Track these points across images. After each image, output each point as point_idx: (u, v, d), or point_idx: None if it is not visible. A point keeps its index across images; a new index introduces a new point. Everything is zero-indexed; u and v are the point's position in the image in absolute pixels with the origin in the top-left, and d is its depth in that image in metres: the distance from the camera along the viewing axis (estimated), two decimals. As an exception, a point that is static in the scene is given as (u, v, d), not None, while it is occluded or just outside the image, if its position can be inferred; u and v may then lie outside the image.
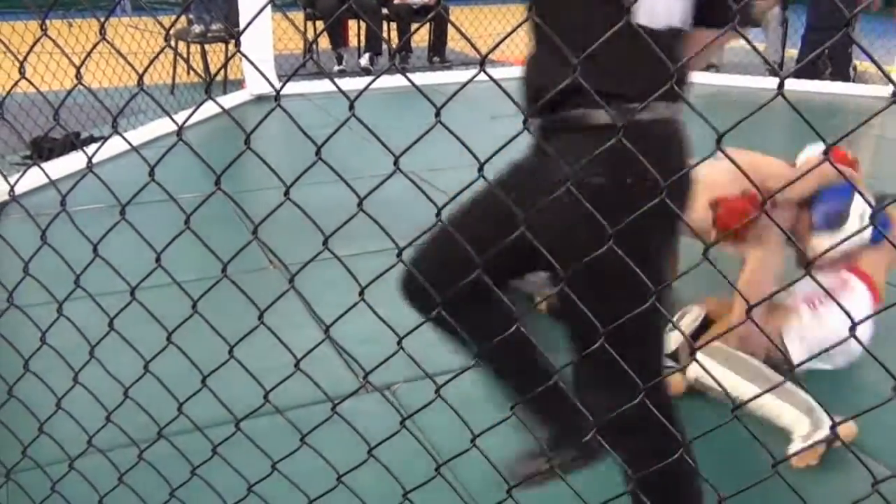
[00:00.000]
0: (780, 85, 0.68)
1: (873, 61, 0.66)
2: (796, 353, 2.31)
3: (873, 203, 2.22)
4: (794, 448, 1.99)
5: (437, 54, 7.30)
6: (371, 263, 1.24)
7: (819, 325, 2.33)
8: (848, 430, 1.99)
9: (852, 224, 2.35)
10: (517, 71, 1.30)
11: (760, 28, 6.81)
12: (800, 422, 2.05)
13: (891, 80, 0.70)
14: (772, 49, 6.76)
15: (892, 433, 2.06)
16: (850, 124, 0.73)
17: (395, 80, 4.74)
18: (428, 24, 7.24)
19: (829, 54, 6.58)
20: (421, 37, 7.56)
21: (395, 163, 0.92)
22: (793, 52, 7.12)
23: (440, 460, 1.17)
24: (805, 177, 2.35)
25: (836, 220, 2.37)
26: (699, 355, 2.15)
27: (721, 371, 2.19)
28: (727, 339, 2.29)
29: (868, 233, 2.35)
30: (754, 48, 0.80)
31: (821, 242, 2.41)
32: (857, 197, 2.35)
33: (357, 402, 2.16)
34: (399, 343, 1.04)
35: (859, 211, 2.36)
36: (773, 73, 6.78)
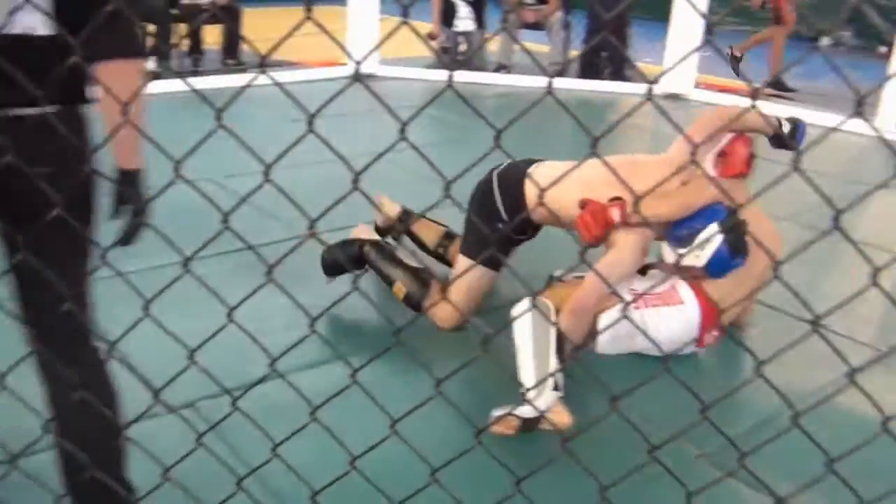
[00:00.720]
0: (549, 84, 0.72)
1: (628, 60, 0.70)
2: (602, 338, 2.53)
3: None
4: (496, 413, 1.98)
5: (231, 56, 7.08)
6: (167, 274, 1.18)
7: (633, 320, 2.46)
8: (561, 417, 2.00)
9: (693, 247, 2.49)
10: (317, 73, 1.28)
11: (545, 31, 7.16)
12: (528, 381, 2.10)
13: (646, 79, 0.75)
14: (556, 51, 7.13)
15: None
16: (617, 118, 0.78)
17: (188, 84, 4.53)
18: (220, 25, 7.01)
19: (608, 56, 7.05)
20: (215, 38, 7.31)
21: (176, 169, 0.88)
22: (576, 53, 7.56)
23: (241, 473, 1.13)
24: (686, 198, 2.51)
25: (685, 240, 2.51)
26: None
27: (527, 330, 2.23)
28: (562, 317, 2.42)
29: (705, 258, 2.50)
30: (525, 49, 0.84)
31: (666, 253, 2.63)
32: (713, 224, 2.47)
33: (157, 423, 2.05)
34: (190, 357, 0.99)
35: (704, 237, 2.48)
36: (558, 73, 7.15)
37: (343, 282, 2.81)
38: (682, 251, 2.52)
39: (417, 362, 1.08)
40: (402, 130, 0.80)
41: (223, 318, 1.01)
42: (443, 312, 2.66)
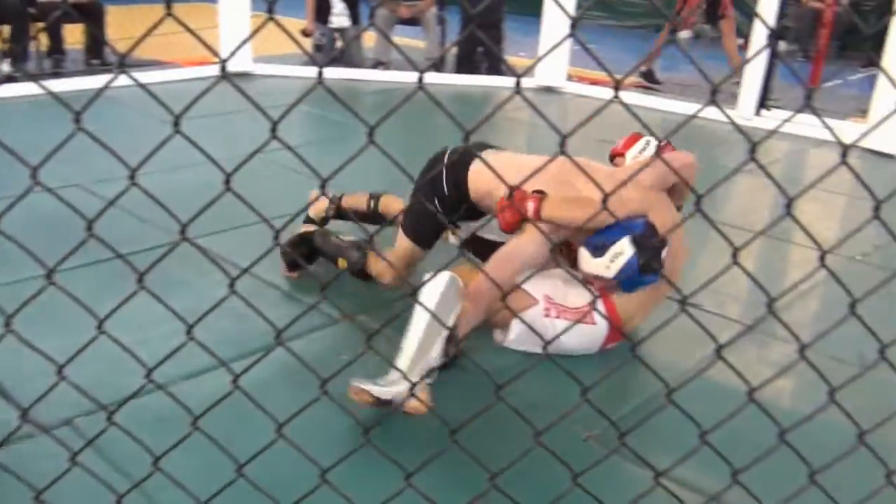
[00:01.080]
0: (420, 80, 0.72)
1: (499, 57, 0.72)
2: (512, 335, 2.56)
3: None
4: (354, 383, 2.02)
5: (96, 56, 6.78)
6: (33, 287, 1.12)
7: (540, 328, 2.49)
8: (416, 406, 2.03)
9: (604, 258, 2.48)
10: (190, 72, 1.24)
11: (420, 27, 7.20)
12: (400, 365, 2.13)
13: (515, 73, 0.77)
14: (432, 46, 7.18)
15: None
16: (501, 113, 0.79)
17: (54, 86, 4.31)
18: (83, 24, 6.70)
19: (484, 51, 7.15)
20: (76, 38, 6.97)
21: (33, 176, 0.84)
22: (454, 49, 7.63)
23: (122, 490, 1.09)
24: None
25: (600, 249, 2.49)
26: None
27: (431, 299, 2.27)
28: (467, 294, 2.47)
29: (614, 270, 2.48)
30: (394, 45, 0.84)
31: (582, 259, 2.55)
32: (626, 238, 2.46)
33: (32, 444, 1.94)
34: (59, 373, 0.95)
35: (616, 249, 2.47)
36: (435, 68, 7.20)
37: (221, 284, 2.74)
38: (594, 260, 2.51)
39: (302, 364, 1.07)
40: (274, 130, 0.79)
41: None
42: (379, 267, 2.89)
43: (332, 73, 6.56)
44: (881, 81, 5.56)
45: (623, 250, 2.45)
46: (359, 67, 6.94)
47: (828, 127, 0.89)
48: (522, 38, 7.88)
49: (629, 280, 2.48)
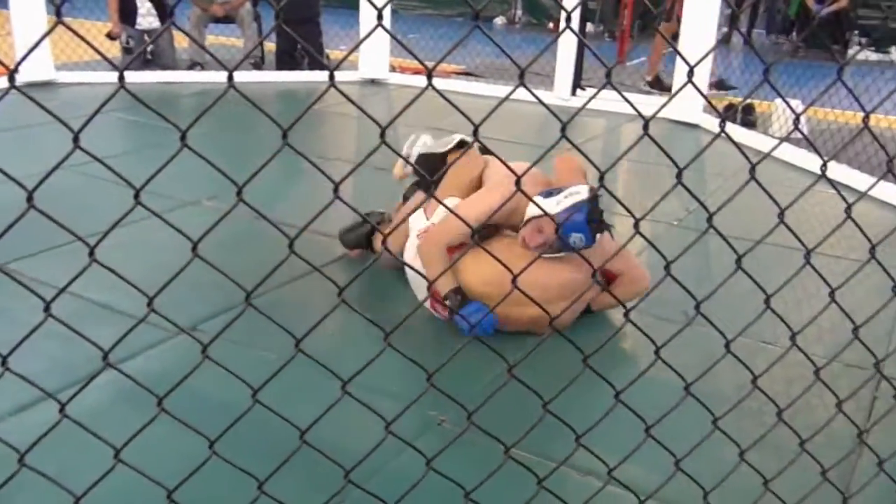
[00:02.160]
0: (230, 78, 0.70)
1: (313, 53, 0.71)
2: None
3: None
4: None
5: None
6: None
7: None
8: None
9: (558, 196, 2.53)
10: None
11: (236, 24, 7.01)
12: None
13: (328, 66, 0.76)
14: (249, 44, 7.01)
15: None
16: (328, 108, 0.78)
17: None
18: None
19: (303, 47, 7.06)
20: None
21: None
22: (271, 45, 7.47)
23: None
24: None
25: (552, 193, 2.55)
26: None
27: None
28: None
29: (563, 206, 2.50)
30: (201, 46, 0.81)
31: (530, 207, 2.59)
32: (585, 187, 2.54)
33: None
34: None
35: (573, 190, 2.53)
36: (256, 66, 7.04)
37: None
38: (545, 200, 2.54)
39: (135, 383, 1.02)
40: (76, 140, 0.74)
41: None
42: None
43: (147, 76, 6.26)
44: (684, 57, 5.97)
45: (580, 191, 2.50)
46: (173, 69, 6.66)
47: (628, 101, 0.94)
48: (345, 31, 7.84)
49: (573, 223, 2.44)
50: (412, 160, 3.15)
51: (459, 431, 1.15)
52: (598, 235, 2.50)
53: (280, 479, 1.12)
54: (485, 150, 3.04)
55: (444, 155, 3.07)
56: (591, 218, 2.47)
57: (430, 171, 3.00)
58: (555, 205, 2.50)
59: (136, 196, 0.74)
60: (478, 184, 2.91)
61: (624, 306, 1.16)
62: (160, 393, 1.01)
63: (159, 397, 0.94)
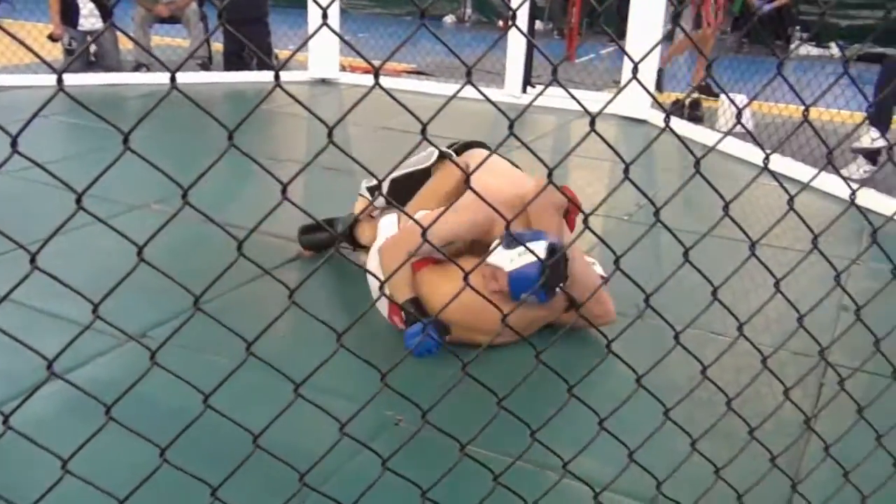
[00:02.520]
0: (173, 79, 0.69)
1: (258, 52, 0.70)
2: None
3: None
4: None
5: None
6: None
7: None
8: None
9: (513, 251, 2.42)
10: None
11: (182, 24, 6.90)
12: None
13: (273, 67, 0.75)
14: (196, 44, 6.91)
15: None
16: (278, 108, 0.77)
17: None
18: None
19: (255, 47, 6.97)
20: None
21: None
22: (218, 45, 7.39)
23: None
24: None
25: (513, 242, 2.38)
26: None
27: None
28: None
29: (516, 264, 2.42)
30: (144, 48, 0.80)
31: (495, 250, 2.44)
32: (545, 242, 2.42)
33: None
34: None
35: (531, 247, 2.37)
36: (204, 67, 6.95)
37: None
38: (503, 251, 2.43)
39: (82, 391, 1.00)
40: (14, 144, 0.72)
41: None
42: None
43: (91, 78, 6.14)
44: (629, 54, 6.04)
45: (536, 250, 2.36)
46: (118, 71, 6.54)
47: (574, 98, 0.95)
48: (294, 31, 7.78)
49: (520, 283, 2.38)
50: (385, 186, 3.08)
51: (414, 430, 1.14)
52: (558, 288, 2.44)
53: (234, 484, 1.11)
54: (467, 147, 3.02)
55: (428, 170, 3.03)
56: (547, 281, 2.38)
57: (414, 189, 2.96)
58: (508, 261, 2.41)
59: (79, 201, 0.72)
60: (455, 193, 2.82)
61: (576, 306, 1.17)
62: (109, 401, 0.99)
63: (107, 406, 0.92)
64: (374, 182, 3.17)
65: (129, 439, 1.04)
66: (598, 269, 2.79)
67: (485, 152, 2.89)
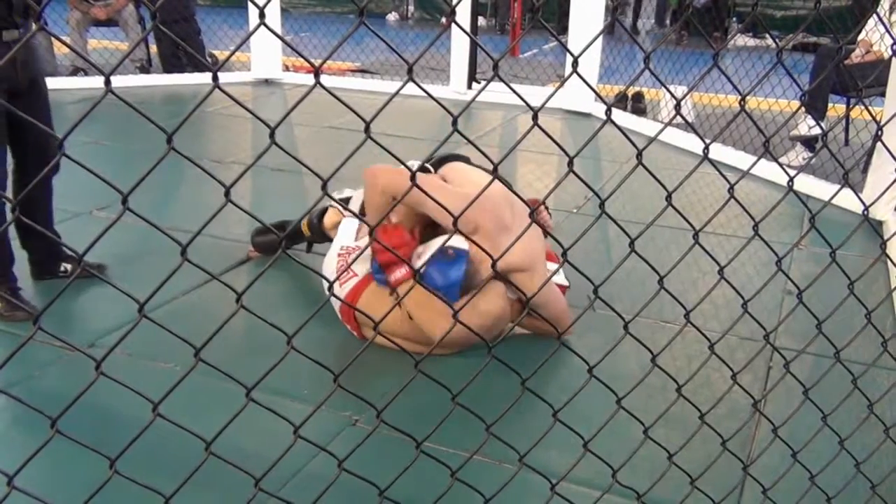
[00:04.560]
0: (107, 82, 0.67)
1: (191, 54, 0.69)
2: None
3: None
4: None
5: None
6: None
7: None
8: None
9: (435, 242, 2.54)
10: None
11: (119, 26, 6.77)
12: None
13: (209, 67, 0.74)
14: (131, 43, 6.78)
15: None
16: (219, 110, 0.76)
17: None
18: None
19: (183, 49, 6.86)
20: None
21: None
22: (154, 47, 7.26)
23: None
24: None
25: (443, 252, 2.43)
26: None
27: None
28: None
29: (425, 257, 2.48)
30: (75, 50, 0.78)
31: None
32: (463, 243, 2.45)
33: None
34: None
35: (449, 242, 2.46)
36: (143, 70, 6.82)
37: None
38: (431, 241, 2.52)
39: (24, 405, 0.97)
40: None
41: None
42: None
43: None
44: (569, 48, 6.11)
45: (459, 246, 2.44)
46: (54, 76, 6.38)
47: (516, 93, 0.95)
48: (234, 31, 7.68)
49: (432, 276, 2.39)
50: (354, 202, 3.07)
51: (370, 430, 1.14)
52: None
53: (189, 493, 1.09)
54: (444, 160, 2.97)
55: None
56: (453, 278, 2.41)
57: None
58: (418, 254, 2.51)
59: (14, 210, 0.70)
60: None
61: (525, 298, 1.18)
62: (55, 413, 0.97)
63: (52, 418, 0.90)
64: (346, 195, 3.15)
65: (81, 452, 1.02)
66: (561, 278, 2.78)
67: (464, 166, 2.86)
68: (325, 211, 3.17)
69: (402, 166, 2.92)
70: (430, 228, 2.70)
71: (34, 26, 0.70)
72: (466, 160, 2.94)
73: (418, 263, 2.47)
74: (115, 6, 6.62)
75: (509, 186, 2.60)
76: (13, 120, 2.63)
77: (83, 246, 0.80)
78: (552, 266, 2.69)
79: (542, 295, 2.53)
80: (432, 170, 2.90)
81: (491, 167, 0.94)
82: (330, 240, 3.10)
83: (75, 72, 6.54)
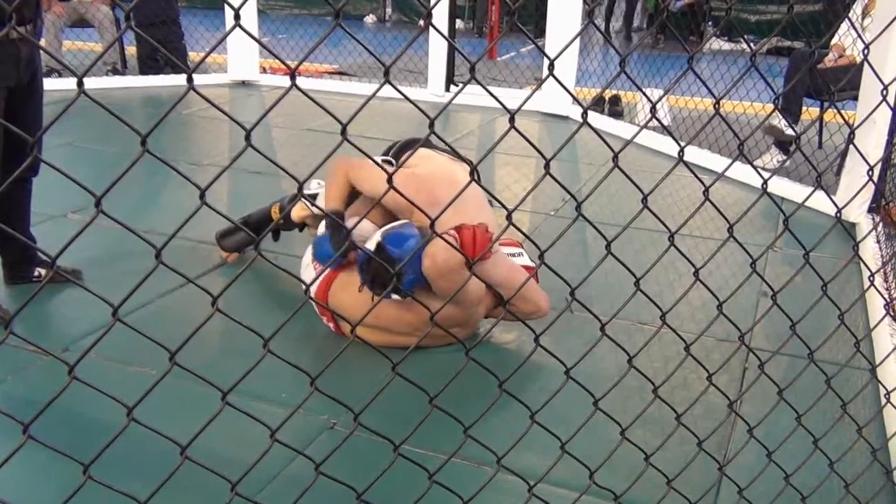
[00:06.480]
0: (80, 84, 0.67)
1: (169, 57, 0.68)
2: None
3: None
4: None
5: None
6: None
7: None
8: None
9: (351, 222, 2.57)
10: None
11: (95, 28, 6.71)
12: None
13: (186, 70, 0.74)
14: (106, 45, 6.73)
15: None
16: (197, 112, 0.75)
17: None
18: None
19: (168, 49, 6.81)
20: None
21: None
22: (132, 49, 7.20)
23: None
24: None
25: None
26: None
27: None
28: None
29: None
30: (46, 51, 0.77)
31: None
32: (379, 233, 2.45)
33: None
34: None
35: (364, 226, 2.55)
36: (116, 72, 6.77)
37: None
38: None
39: (0, 410, 0.96)
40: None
41: None
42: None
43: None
44: (546, 51, 6.13)
45: (370, 237, 2.46)
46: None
47: (492, 95, 0.96)
48: (211, 33, 7.63)
49: (390, 248, 2.39)
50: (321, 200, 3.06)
51: (347, 433, 1.14)
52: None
53: (165, 497, 1.08)
54: (404, 147, 2.95)
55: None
56: (373, 269, 2.40)
57: (356, 195, 2.94)
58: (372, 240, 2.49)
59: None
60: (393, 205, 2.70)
61: (504, 301, 1.18)
62: (28, 419, 0.96)
63: (24, 423, 0.89)
64: (313, 191, 3.15)
65: (54, 458, 1.00)
66: (526, 259, 2.79)
67: (428, 151, 2.85)
68: (295, 196, 3.18)
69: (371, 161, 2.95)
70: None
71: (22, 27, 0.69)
72: (428, 142, 2.94)
73: (369, 244, 2.46)
74: (87, 7, 6.56)
75: (485, 188, 2.60)
76: (7, 115, 2.59)
77: (57, 249, 0.79)
78: (510, 250, 2.73)
79: (507, 281, 2.52)
80: (393, 161, 2.91)
81: (468, 167, 0.94)
82: (298, 227, 3.16)
83: (49, 73, 6.46)
